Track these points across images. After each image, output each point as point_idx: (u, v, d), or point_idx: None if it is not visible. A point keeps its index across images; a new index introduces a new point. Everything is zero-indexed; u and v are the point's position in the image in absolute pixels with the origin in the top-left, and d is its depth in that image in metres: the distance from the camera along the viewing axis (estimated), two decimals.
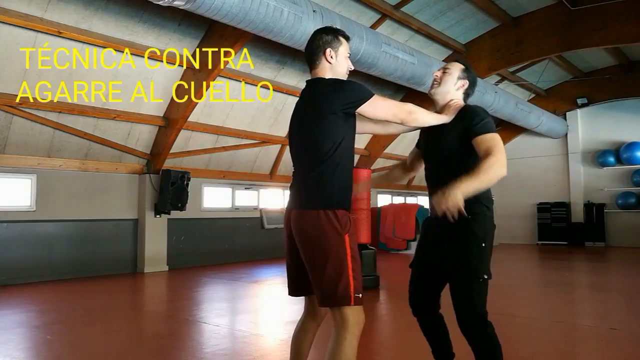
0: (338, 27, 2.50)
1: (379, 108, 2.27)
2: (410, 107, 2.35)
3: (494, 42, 10.79)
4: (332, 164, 2.20)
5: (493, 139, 2.29)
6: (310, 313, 2.42)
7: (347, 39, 2.41)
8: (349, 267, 2.15)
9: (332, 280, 2.12)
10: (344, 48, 2.38)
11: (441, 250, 2.44)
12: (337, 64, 2.35)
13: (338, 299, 2.13)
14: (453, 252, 2.37)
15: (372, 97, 2.24)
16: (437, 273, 2.50)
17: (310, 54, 2.37)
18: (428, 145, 2.63)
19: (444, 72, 2.57)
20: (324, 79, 2.32)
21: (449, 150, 2.44)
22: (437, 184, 2.42)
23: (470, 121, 2.36)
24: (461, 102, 2.55)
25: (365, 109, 2.23)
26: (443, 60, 10.63)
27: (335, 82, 2.28)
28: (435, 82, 2.59)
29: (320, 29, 2.42)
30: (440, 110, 2.55)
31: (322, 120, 2.20)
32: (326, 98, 2.21)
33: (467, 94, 2.59)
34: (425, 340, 2.65)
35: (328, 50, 2.33)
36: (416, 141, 2.85)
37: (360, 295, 2.17)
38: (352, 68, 2.46)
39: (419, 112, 2.36)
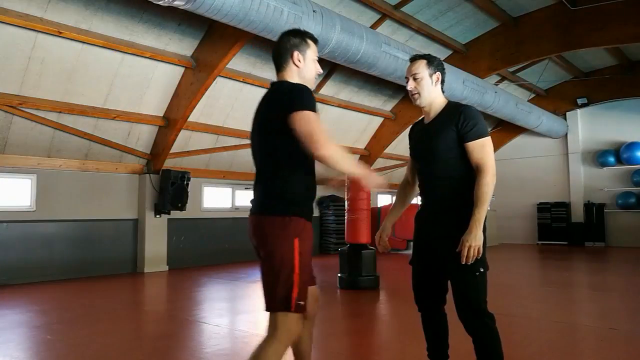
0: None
1: (302, 122, 2.06)
2: (329, 143, 2.06)
3: (494, 42, 10.79)
4: (287, 169, 2.18)
5: (483, 149, 2.38)
6: None
7: (315, 42, 2.35)
8: (295, 272, 2.11)
9: (274, 285, 2.11)
10: (312, 51, 2.32)
11: (437, 247, 2.46)
12: (304, 68, 2.29)
13: (277, 303, 2.10)
14: (450, 248, 2.37)
15: (305, 110, 2.07)
16: (436, 270, 2.51)
17: (277, 56, 2.32)
18: (417, 143, 2.64)
19: (415, 80, 2.53)
20: (287, 82, 2.26)
21: (439, 148, 2.45)
22: (429, 179, 2.56)
23: (463, 124, 2.40)
24: (441, 99, 2.56)
25: (293, 118, 2.07)
26: (443, 61, 10.62)
27: (294, 87, 2.19)
28: (415, 95, 2.55)
29: (288, 31, 2.36)
30: (430, 113, 2.55)
31: (277, 123, 2.13)
32: (283, 102, 2.14)
33: (443, 81, 2.60)
34: (425, 339, 2.65)
35: (295, 53, 2.28)
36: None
37: (303, 303, 2.12)
38: (321, 72, 2.41)
39: (333, 149, 2.06)
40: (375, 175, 2.29)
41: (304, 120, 2.06)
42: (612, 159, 13.92)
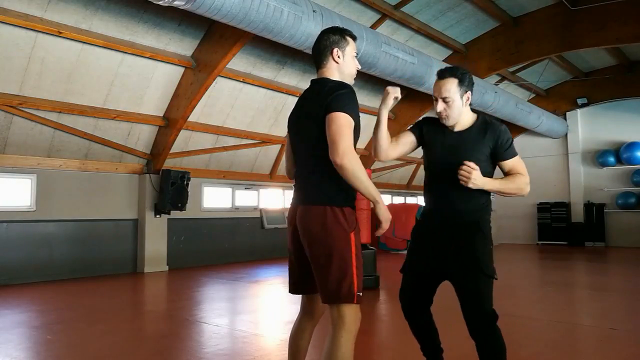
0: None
1: (335, 124, 2.10)
2: (350, 154, 2.07)
3: (494, 42, 10.79)
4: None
5: (520, 164, 2.48)
6: (307, 312, 2.42)
7: (354, 38, 2.39)
8: (353, 265, 2.15)
9: (337, 278, 2.13)
10: (351, 48, 2.36)
11: (448, 253, 2.43)
12: (344, 64, 2.33)
13: (342, 297, 2.13)
14: (465, 253, 2.37)
15: (340, 113, 2.10)
16: (437, 277, 2.51)
17: (317, 53, 2.35)
18: (441, 149, 2.52)
19: (446, 103, 2.44)
20: (330, 79, 2.30)
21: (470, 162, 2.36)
22: (445, 193, 2.48)
23: (500, 142, 2.42)
24: (469, 114, 2.52)
25: (328, 119, 2.12)
26: (443, 61, 10.64)
27: (341, 84, 2.25)
28: (444, 118, 2.47)
29: (328, 28, 2.40)
30: (455, 126, 2.50)
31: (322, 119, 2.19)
32: (332, 98, 2.18)
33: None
34: (417, 342, 2.68)
35: (335, 50, 2.31)
36: (411, 127, 2.69)
37: (361, 293, 2.19)
38: (360, 68, 2.44)
39: (353, 161, 2.07)
40: (386, 209, 2.23)
41: (334, 122, 2.09)
42: (612, 159, 13.93)
